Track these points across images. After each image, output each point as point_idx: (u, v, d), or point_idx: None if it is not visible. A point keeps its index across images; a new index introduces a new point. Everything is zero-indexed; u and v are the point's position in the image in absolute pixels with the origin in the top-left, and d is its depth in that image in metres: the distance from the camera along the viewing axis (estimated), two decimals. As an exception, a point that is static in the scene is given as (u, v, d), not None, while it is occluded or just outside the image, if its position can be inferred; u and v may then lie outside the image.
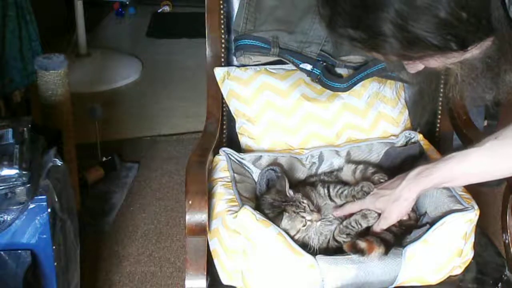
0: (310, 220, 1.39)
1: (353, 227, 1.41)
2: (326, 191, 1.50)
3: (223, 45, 1.79)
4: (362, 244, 1.34)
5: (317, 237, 1.41)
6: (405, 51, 1.02)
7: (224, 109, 1.79)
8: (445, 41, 1.00)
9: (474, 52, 1.06)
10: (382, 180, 1.50)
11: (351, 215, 1.44)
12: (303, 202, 1.41)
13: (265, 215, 1.38)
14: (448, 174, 1.31)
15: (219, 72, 1.75)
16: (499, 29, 1.03)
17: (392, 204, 1.38)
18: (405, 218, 1.43)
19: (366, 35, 1.02)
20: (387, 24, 0.99)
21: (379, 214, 1.42)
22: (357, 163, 1.62)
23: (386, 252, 1.34)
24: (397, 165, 1.64)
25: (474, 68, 1.10)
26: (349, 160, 1.66)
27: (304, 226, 1.39)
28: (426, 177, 1.33)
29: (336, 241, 1.42)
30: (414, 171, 1.36)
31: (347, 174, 1.60)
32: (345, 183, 1.55)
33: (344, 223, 1.43)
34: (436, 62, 1.08)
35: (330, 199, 1.49)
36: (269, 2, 1.75)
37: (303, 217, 1.39)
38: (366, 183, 1.47)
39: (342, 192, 1.48)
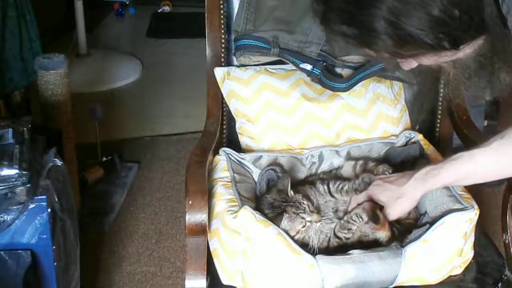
0: (310, 221, 1.39)
1: (354, 221, 1.41)
2: (326, 187, 1.50)
3: (223, 45, 1.79)
4: (381, 215, 1.37)
5: (317, 236, 1.41)
6: (397, 48, 1.03)
7: (224, 109, 1.79)
8: (438, 39, 1.00)
9: (466, 51, 1.06)
10: (386, 172, 1.50)
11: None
12: (303, 203, 1.41)
13: (265, 215, 1.38)
14: (455, 174, 1.31)
15: (219, 72, 1.75)
16: (492, 26, 1.03)
17: (396, 201, 1.38)
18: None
19: (359, 32, 1.03)
20: (379, 20, 0.99)
21: (380, 206, 1.42)
22: (357, 159, 1.63)
23: (390, 241, 1.36)
24: (397, 165, 1.64)
25: (467, 67, 1.11)
26: (349, 158, 1.66)
27: (303, 227, 1.39)
28: (433, 177, 1.33)
29: (338, 237, 1.42)
30: (422, 170, 1.35)
31: (347, 170, 1.60)
32: (344, 179, 1.55)
33: (345, 218, 1.43)
34: (428, 60, 1.08)
35: (331, 195, 1.49)
36: (269, 2, 1.75)
37: (303, 218, 1.39)
38: (367, 174, 1.48)
39: (342, 188, 1.49)
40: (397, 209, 1.39)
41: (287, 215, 1.38)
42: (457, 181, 1.36)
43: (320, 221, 1.41)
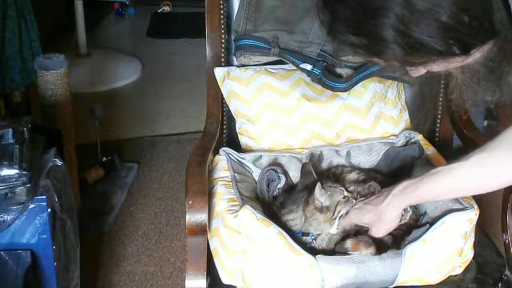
0: (347, 196, 1.42)
1: None
2: None
3: (223, 45, 1.79)
4: (347, 243, 1.37)
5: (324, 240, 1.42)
6: (407, 56, 1.01)
7: (224, 109, 1.79)
8: (448, 45, 0.99)
9: (476, 55, 1.05)
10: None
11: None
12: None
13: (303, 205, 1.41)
14: (433, 190, 1.29)
15: (219, 72, 1.75)
16: (502, 31, 1.02)
17: (378, 222, 1.37)
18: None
19: (368, 41, 1.01)
20: (388, 29, 0.98)
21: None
22: (364, 170, 1.63)
23: (378, 253, 1.35)
24: (397, 165, 1.64)
25: (475, 72, 1.09)
26: (354, 167, 1.66)
27: (344, 198, 1.40)
28: (411, 192, 1.31)
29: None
30: (400, 186, 1.33)
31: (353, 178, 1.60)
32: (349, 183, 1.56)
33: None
34: (438, 67, 1.07)
35: None
36: (269, 2, 1.75)
37: (341, 189, 1.41)
38: (374, 183, 1.48)
39: (348, 187, 1.49)
40: (381, 229, 1.37)
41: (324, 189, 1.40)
42: (437, 196, 1.34)
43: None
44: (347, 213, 1.42)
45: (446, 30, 0.97)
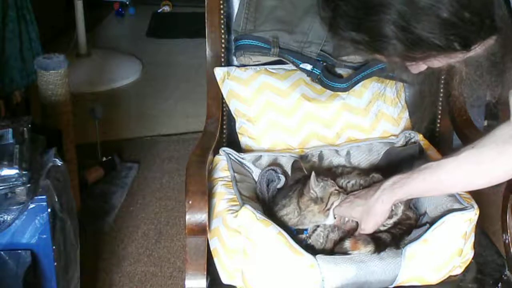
0: (338, 191, 1.42)
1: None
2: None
3: (223, 45, 1.79)
4: (346, 243, 1.37)
5: (322, 237, 1.42)
6: (408, 52, 1.02)
7: (224, 109, 1.79)
8: (448, 41, 0.99)
9: (477, 50, 1.05)
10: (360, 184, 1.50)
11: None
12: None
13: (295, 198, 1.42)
14: (422, 185, 1.29)
15: (219, 72, 1.75)
16: (503, 28, 1.02)
17: (367, 216, 1.37)
18: (382, 228, 1.42)
19: (369, 37, 1.02)
20: (389, 25, 0.98)
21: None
22: (365, 170, 1.63)
23: (378, 251, 1.35)
24: (397, 165, 1.64)
25: (479, 66, 1.09)
26: (355, 167, 1.66)
27: (335, 190, 1.41)
28: (400, 187, 1.31)
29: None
30: (389, 181, 1.34)
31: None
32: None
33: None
34: (439, 62, 1.08)
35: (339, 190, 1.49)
36: (269, 2, 1.75)
37: (332, 182, 1.42)
38: (377, 175, 1.49)
39: (349, 181, 1.50)
40: (370, 224, 1.37)
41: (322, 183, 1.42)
42: (426, 191, 1.35)
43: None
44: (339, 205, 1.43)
45: (447, 26, 0.98)
